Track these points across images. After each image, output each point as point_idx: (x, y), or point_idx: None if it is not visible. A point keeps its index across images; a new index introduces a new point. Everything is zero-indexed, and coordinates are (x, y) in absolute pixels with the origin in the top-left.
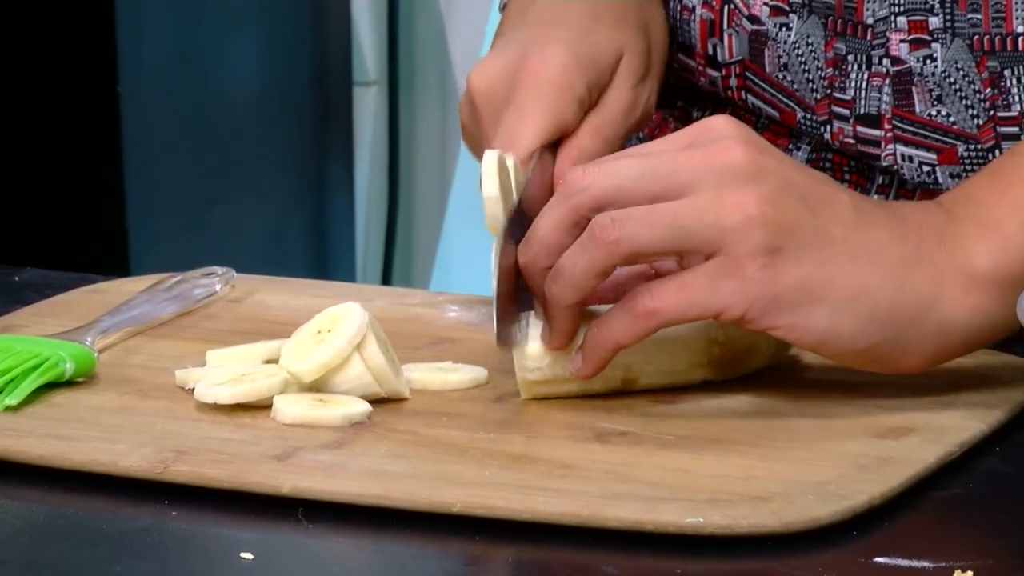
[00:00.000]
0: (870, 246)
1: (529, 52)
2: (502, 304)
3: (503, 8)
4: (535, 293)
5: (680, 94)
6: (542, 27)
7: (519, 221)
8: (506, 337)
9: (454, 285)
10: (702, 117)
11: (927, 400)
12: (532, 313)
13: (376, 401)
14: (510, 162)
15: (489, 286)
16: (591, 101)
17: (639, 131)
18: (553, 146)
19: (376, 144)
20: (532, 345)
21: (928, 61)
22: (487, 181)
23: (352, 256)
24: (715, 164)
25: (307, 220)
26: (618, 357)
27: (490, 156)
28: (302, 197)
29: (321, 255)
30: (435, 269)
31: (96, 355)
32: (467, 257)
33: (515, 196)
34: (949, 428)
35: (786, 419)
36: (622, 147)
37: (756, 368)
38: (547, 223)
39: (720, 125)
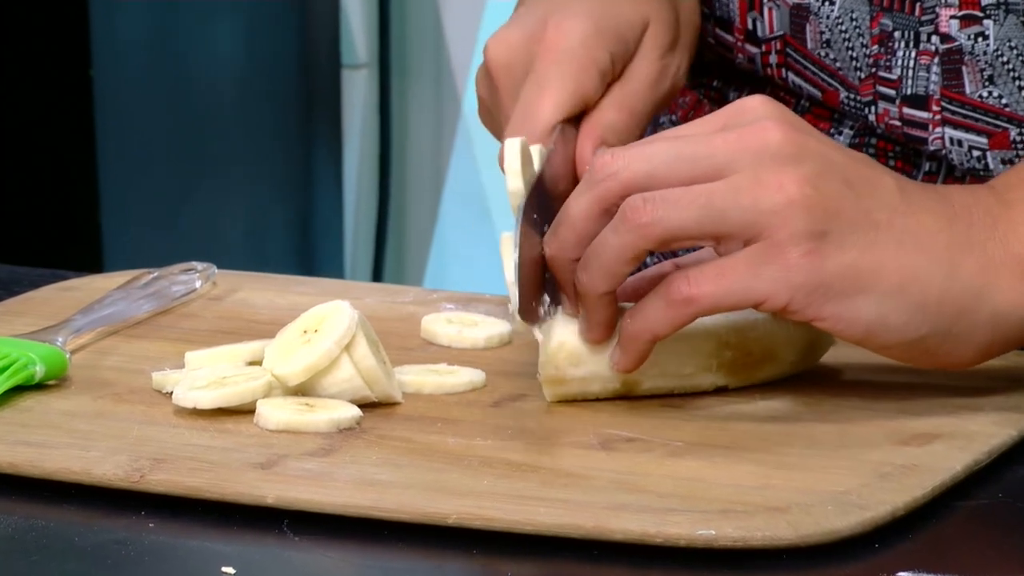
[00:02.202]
0: (917, 231)
1: (548, 22)
2: (524, 280)
3: None
4: (563, 287)
5: (716, 73)
6: None
7: (539, 197)
8: (529, 311)
9: (449, 281)
10: (739, 98)
11: (954, 405)
12: (560, 309)
13: (366, 406)
14: (535, 151)
15: (495, 276)
16: (615, 73)
17: (668, 105)
18: (575, 120)
19: (366, 131)
20: (557, 341)
21: (979, 39)
22: (509, 158)
23: (340, 251)
24: (752, 145)
25: (292, 213)
26: None
27: (512, 144)
28: (287, 188)
29: (307, 250)
30: (429, 265)
31: (68, 356)
32: (463, 252)
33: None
34: (977, 434)
35: (803, 425)
36: (651, 122)
37: (776, 377)
38: (575, 211)
39: (756, 105)
